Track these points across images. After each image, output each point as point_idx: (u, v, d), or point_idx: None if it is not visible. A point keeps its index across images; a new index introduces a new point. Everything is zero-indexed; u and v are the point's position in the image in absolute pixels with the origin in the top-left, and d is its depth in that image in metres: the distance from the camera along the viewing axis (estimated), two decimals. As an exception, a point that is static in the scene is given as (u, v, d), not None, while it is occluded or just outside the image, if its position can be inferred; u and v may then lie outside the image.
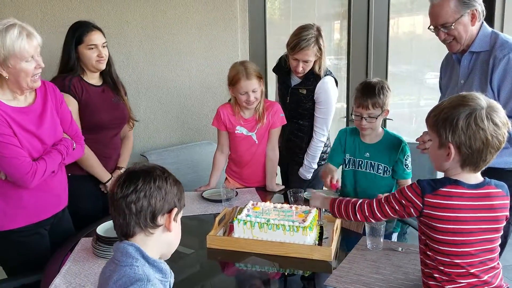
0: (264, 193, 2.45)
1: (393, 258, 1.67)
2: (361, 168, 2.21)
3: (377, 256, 1.69)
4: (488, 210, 1.36)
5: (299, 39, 2.38)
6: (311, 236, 1.74)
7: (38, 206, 1.90)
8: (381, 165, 2.16)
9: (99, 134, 2.32)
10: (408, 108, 3.92)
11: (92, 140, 2.26)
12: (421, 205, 1.36)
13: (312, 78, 2.51)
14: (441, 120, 1.32)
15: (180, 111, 3.10)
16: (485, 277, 1.35)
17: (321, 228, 1.85)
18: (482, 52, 2.01)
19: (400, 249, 1.71)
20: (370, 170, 2.18)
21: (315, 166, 2.64)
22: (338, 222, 1.86)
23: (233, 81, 2.35)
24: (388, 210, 1.46)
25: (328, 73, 2.54)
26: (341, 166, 2.32)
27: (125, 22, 2.93)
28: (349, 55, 3.47)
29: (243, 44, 3.17)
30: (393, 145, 2.14)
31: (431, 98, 3.92)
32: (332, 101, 2.54)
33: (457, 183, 1.35)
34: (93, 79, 2.32)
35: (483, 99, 1.31)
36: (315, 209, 1.89)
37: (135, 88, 2.99)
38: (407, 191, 1.40)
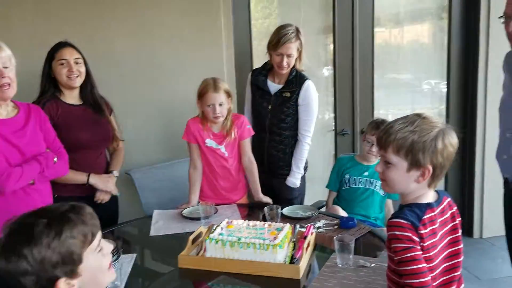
0: (246, 209, 2.47)
1: (362, 274, 1.67)
2: (360, 185, 2.56)
3: (347, 273, 1.68)
4: (452, 219, 1.41)
5: (281, 34, 2.52)
6: (281, 254, 1.74)
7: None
8: (377, 181, 2.51)
9: (81, 154, 2.32)
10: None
11: (73, 160, 2.26)
12: (418, 239, 1.29)
13: (295, 81, 2.59)
14: (415, 143, 1.30)
15: (166, 129, 3.13)
16: None
17: (295, 245, 1.86)
18: None
19: (368, 264, 1.71)
20: (368, 186, 2.56)
21: (303, 172, 2.68)
22: (310, 238, 1.87)
23: (201, 93, 2.43)
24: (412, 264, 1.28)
25: (308, 77, 2.63)
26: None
27: (110, 41, 2.99)
28: (335, 67, 3.50)
29: (229, 61, 3.21)
30: None
31: (428, 108, 3.94)
32: (316, 103, 2.64)
33: (430, 206, 1.35)
34: (72, 98, 2.35)
35: (441, 121, 1.36)
36: (289, 225, 1.90)
37: (123, 106, 3.01)
38: (400, 233, 1.28)
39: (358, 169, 2.60)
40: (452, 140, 1.33)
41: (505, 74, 2.14)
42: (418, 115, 1.36)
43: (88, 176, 2.31)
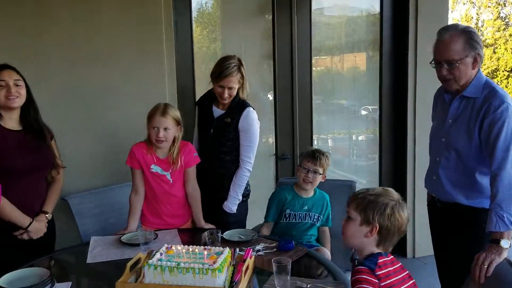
0: (189, 234, 2.46)
1: (299, 296, 1.73)
2: (301, 220, 2.60)
3: (284, 294, 1.74)
4: (402, 270, 1.65)
5: (223, 67, 2.57)
6: (221, 278, 1.76)
7: None
8: (315, 214, 2.62)
9: (17, 181, 2.24)
10: (348, 141, 4.13)
11: (9, 187, 2.17)
12: (377, 280, 1.54)
13: (236, 108, 2.65)
14: (370, 202, 1.61)
15: (106, 153, 3.08)
16: None
17: (234, 268, 1.88)
18: (473, 98, 2.04)
19: (305, 285, 1.77)
20: (307, 220, 2.60)
21: (241, 198, 2.70)
22: (249, 261, 1.90)
23: (149, 116, 2.48)
24: None
25: (249, 105, 2.69)
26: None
27: (47, 65, 2.93)
28: (275, 93, 3.61)
29: (171, 86, 3.23)
30: (323, 199, 2.67)
31: (363, 132, 4.14)
32: (257, 129, 2.68)
33: (380, 254, 1.62)
34: (11, 123, 2.28)
35: (398, 196, 1.66)
36: (228, 249, 1.93)
37: (60, 131, 2.95)
38: (360, 276, 1.54)
39: (298, 204, 2.61)
40: (402, 212, 1.62)
41: (433, 108, 2.37)
42: (385, 189, 1.67)
43: (31, 222, 2.25)
